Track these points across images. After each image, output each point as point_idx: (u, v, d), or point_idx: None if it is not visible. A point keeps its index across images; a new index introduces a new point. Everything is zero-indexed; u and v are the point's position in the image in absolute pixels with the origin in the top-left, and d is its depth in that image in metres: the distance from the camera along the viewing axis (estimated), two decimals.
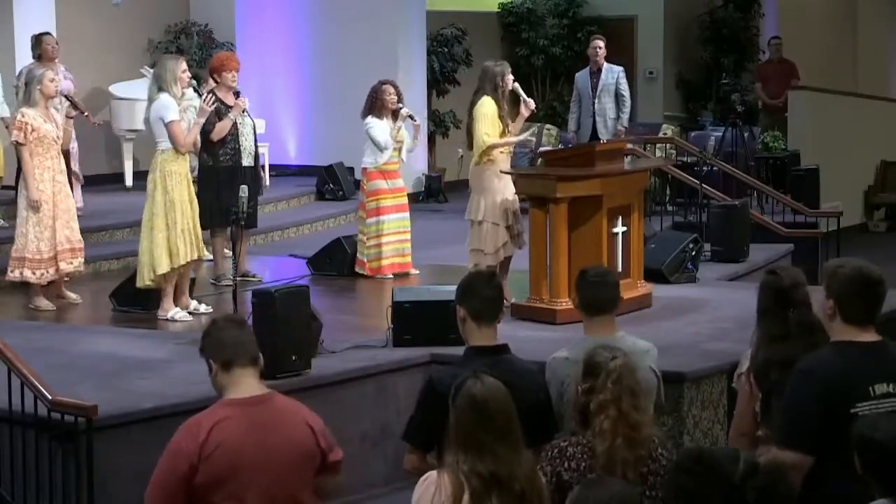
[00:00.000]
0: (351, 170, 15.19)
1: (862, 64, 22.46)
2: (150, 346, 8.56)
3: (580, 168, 9.31)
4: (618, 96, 13.76)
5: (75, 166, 12.37)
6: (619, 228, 9.37)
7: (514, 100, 10.08)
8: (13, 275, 9.74)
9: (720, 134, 16.53)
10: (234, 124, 10.63)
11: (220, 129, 10.54)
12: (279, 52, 16.61)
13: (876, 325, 4.70)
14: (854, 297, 4.60)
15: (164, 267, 9.27)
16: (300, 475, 4.51)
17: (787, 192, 14.60)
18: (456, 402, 4.28)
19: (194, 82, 9.96)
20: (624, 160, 10.48)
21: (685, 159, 14.82)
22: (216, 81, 10.80)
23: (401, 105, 11.20)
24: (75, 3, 14.96)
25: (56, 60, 11.95)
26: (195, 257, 9.43)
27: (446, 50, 17.37)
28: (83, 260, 9.99)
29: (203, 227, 9.74)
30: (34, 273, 9.67)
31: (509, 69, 10.00)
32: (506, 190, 9.68)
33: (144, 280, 9.39)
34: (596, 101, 13.73)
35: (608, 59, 14.02)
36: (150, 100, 9.47)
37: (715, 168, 14.33)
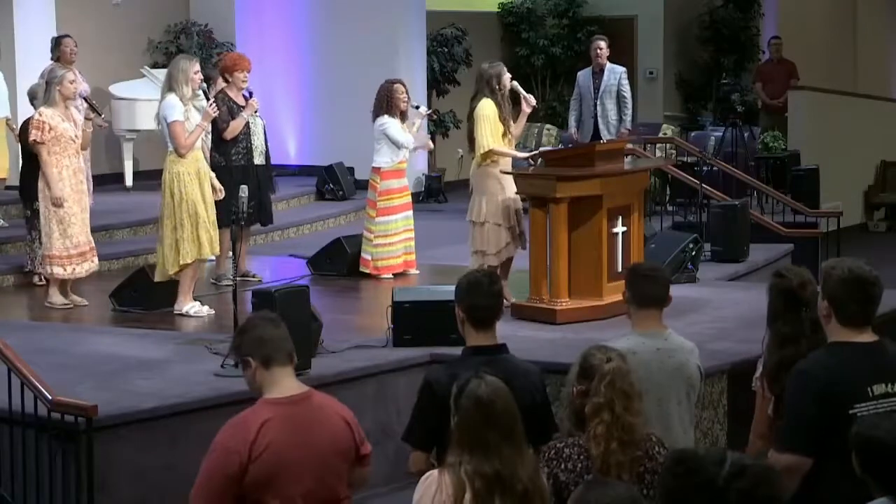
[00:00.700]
0: (351, 170, 15.21)
1: (862, 64, 22.46)
2: (150, 346, 8.57)
3: (580, 168, 9.31)
4: (619, 98, 13.68)
5: (88, 168, 12.42)
6: (619, 228, 9.37)
7: (515, 98, 10.09)
8: (45, 271, 9.82)
9: (720, 134, 16.53)
10: (247, 123, 10.70)
11: (234, 129, 10.61)
12: (279, 52, 16.60)
13: (876, 325, 4.70)
14: (848, 297, 4.59)
15: (172, 265, 9.35)
16: (339, 470, 4.55)
17: (787, 192, 14.60)
18: (460, 403, 4.28)
19: (204, 85, 9.97)
20: (624, 160, 10.48)
21: (685, 159, 14.81)
22: (227, 81, 10.85)
23: (416, 104, 11.25)
24: (75, 3, 14.96)
25: (73, 63, 12.00)
26: (206, 255, 9.50)
27: (446, 50, 17.37)
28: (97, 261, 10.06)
29: (220, 226, 9.82)
30: (65, 269, 9.73)
31: (505, 69, 9.99)
32: (507, 190, 9.68)
33: (163, 276, 9.54)
34: (598, 101, 13.64)
35: (609, 59, 13.95)
36: (162, 99, 9.55)
37: (715, 168, 14.33)
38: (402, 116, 11.21)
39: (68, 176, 9.74)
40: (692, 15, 20.45)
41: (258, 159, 10.90)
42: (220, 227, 10.64)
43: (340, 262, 11.25)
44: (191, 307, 9.51)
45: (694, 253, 10.95)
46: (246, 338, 4.54)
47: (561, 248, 9.11)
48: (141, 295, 9.71)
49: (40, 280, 10.44)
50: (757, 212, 13.59)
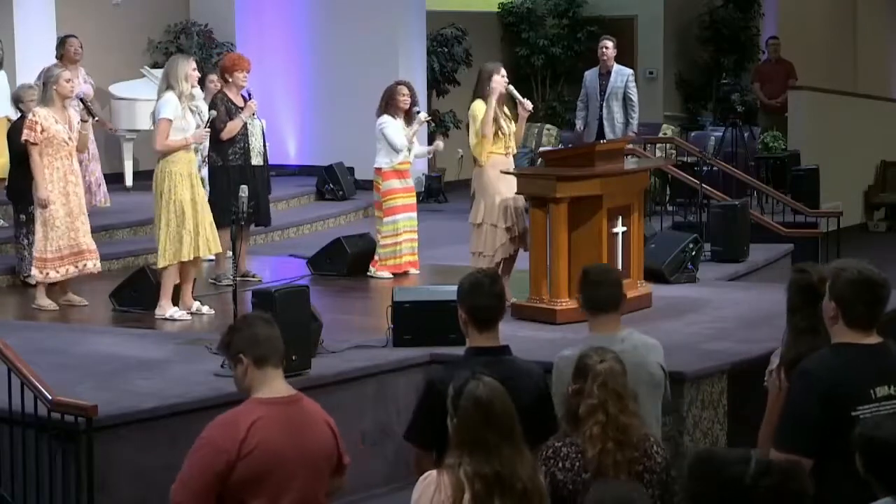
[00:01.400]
0: (351, 170, 15.21)
1: (862, 64, 22.46)
2: (150, 346, 8.57)
3: (580, 168, 9.31)
4: (626, 100, 13.60)
5: (97, 169, 12.44)
6: (619, 228, 9.37)
7: (513, 101, 10.09)
8: (38, 275, 9.73)
9: (720, 134, 16.53)
10: (244, 124, 10.69)
11: (231, 129, 10.60)
12: (279, 52, 16.60)
13: (878, 326, 4.70)
14: (857, 300, 4.59)
15: (161, 263, 9.36)
16: (323, 476, 4.54)
17: (787, 192, 14.60)
18: (459, 405, 4.28)
19: (198, 84, 9.96)
20: (624, 160, 10.48)
21: (685, 159, 14.81)
22: (226, 81, 10.84)
23: (417, 109, 11.25)
24: (75, 3, 14.96)
25: (78, 63, 11.97)
26: (193, 257, 9.44)
27: (446, 50, 17.37)
28: (98, 261, 9.98)
29: (218, 227, 9.79)
30: (59, 270, 9.68)
31: (500, 68, 9.98)
32: (506, 190, 9.67)
33: (159, 265, 9.54)
34: (604, 103, 13.57)
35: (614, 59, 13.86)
36: (158, 97, 9.55)
37: (715, 168, 14.33)
38: (408, 117, 11.21)
39: (58, 179, 9.64)
40: (692, 15, 20.45)
41: (256, 160, 10.88)
42: (218, 227, 10.65)
43: (340, 262, 11.26)
44: (172, 313, 9.43)
45: (694, 253, 10.95)
46: (239, 335, 4.52)
47: (561, 248, 9.11)
48: (141, 295, 9.70)
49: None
50: (757, 212, 13.59)
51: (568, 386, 4.81)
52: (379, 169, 11.19)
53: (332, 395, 7.68)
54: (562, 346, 8.23)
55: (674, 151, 15.55)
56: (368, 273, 11.15)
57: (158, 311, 9.44)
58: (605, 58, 13.63)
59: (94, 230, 11.35)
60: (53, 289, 9.91)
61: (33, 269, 9.74)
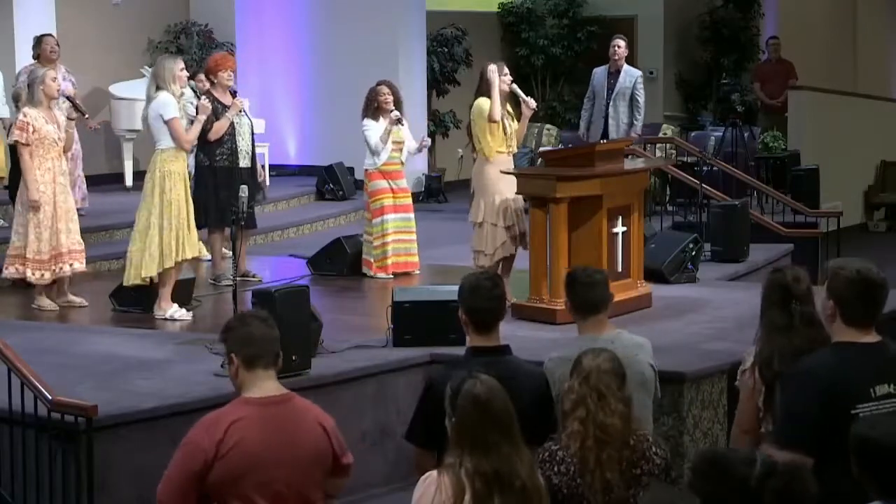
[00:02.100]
0: (351, 170, 15.21)
1: (862, 64, 22.46)
2: (150, 346, 8.56)
3: (580, 168, 9.31)
4: (633, 101, 13.56)
5: (79, 169, 12.39)
6: (619, 228, 9.37)
7: (516, 99, 10.10)
8: (9, 271, 9.70)
9: (720, 134, 16.53)
10: (231, 124, 10.63)
11: (218, 129, 10.54)
12: (279, 52, 16.61)
13: (877, 325, 4.70)
14: (855, 298, 4.60)
15: (154, 268, 9.29)
16: (312, 475, 4.52)
17: (787, 192, 14.60)
18: (457, 404, 4.28)
19: (192, 82, 9.95)
20: (624, 160, 10.48)
21: (685, 159, 14.81)
22: (212, 82, 10.81)
23: (391, 108, 11.13)
24: (75, 3, 14.96)
25: (56, 61, 11.93)
26: (187, 257, 9.42)
27: (446, 50, 17.37)
28: (84, 262, 9.94)
29: (198, 227, 9.76)
30: (34, 274, 9.65)
31: (503, 67, 10.01)
32: (506, 190, 9.68)
33: (131, 279, 9.42)
34: (611, 102, 13.54)
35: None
36: (149, 99, 9.47)
37: (715, 168, 14.33)
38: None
39: (49, 180, 9.60)
40: (692, 15, 20.44)
41: (243, 161, 10.77)
42: (214, 227, 10.66)
43: (340, 262, 11.25)
44: (174, 311, 9.43)
45: (694, 253, 10.95)
46: (233, 334, 4.53)
47: (561, 248, 9.11)
48: (141, 295, 9.68)
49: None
50: (757, 212, 13.59)
51: (561, 385, 4.83)
52: (365, 170, 11.23)
53: (332, 395, 7.68)
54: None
55: (674, 151, 15.56)
56: (364, 272, 11.11)
57: (158, 311, 9.42)
58: (616, 57, 13.56)
59: (94, 230, 11.39)
60: (51, 290, 9.89)
61: (26, 270, 9.61)
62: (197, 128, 9.57)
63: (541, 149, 14.76)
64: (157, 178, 9.38)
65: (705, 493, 3.42)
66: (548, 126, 16.92)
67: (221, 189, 10.48)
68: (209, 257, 11.01)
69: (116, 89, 14.93)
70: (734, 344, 8.55)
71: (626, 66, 13.60)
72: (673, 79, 20.35)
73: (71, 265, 9.74)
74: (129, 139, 14.73)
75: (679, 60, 20.45)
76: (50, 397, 6.59)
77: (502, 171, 9.67)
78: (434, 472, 4.29)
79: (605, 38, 14.40)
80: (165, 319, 9.39)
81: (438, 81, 17.27)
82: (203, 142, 10.43)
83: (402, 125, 11.25)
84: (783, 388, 4.80)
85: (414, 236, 11.30)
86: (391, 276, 11.04)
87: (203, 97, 9.82)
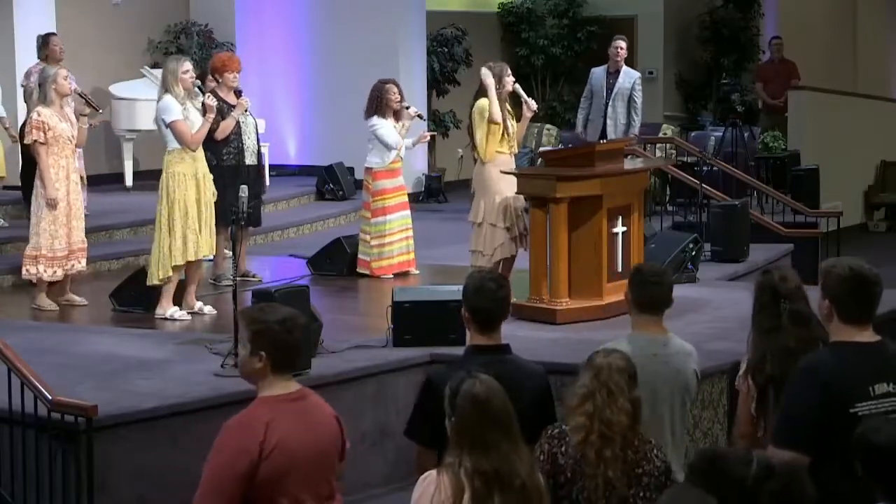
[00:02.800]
0: (351, 170, 15.21)
1: (862, 64, 22.46)
2: (150, 346, 8.56)
3: (580, 168, 9.31)
4: (630, 102, 13.55)
5: (81, 167, 12.39)
6: (619, 228, 9.37)
7: (516, 101, 10.10)
8: (30, 273, 9.75)
9: (720, 134, 16.53)
10: (237, 123, 10.66)
11: (224, 129, 10.56)
12: (279, 52, 16.61)
13: (876, 324, 4.70)
14: (849, 296, 4.60)
15: (168, 268, 9.38)
16: (332, 464, 4.58)
17: (787, 192, 14.61)
18: (457, 404, 4.28)
19: (198, 82, 9.94)
20: (624, 160, 10.48)
21: (685, 159, 14.81)
22: (217, 81, 10.82)
23: (406, 105, 11.23)
24: (75, 3, 14.96)
25: (61, 62, 11.95)
26: (190, 258, 9.43)
27: (446, 50, 17.37)
28: (84, 260, 10.00)
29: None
30: (46, 271, 9.70)
31: (507, 69, 10.03)
32: (507, 190, 9.69)
33: (153, 279, 9.48)
34: (609, 102, 13.53)
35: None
36: (157, 101, 9.58)
37: (715, 168, 14.33)
38: (396, 116, 11.20)
39: (63, 178, 9.69)
40: (692, 15, 20.44)
41: (249, 159, 10.80)
42: (218, 227, 10.65)
43: (340, 262, 11.26)
44: (172, 312, 9.46)
45: (694, 253, 10.95)
46: (272, 338, 4.43)
47: (561, 248, 9.11)
48: (141, 295, 9.70)
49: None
50: (757, 212, 13.59)
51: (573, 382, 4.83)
52: (370, 169, 11.18)
53: (332, 395, 7.64)
54: (562, 347, 8.30)
55: (674, 151, 15.56)
56: (359, 271, 11.09)
57: (159, 311, 9.45)
58: (617, 58, 13.53)
59: (94, 230, 11.38)
60: (53, 289, 9.91)
61: (38, 266, 9.71)
62: (205, 128, 9.59)
63: (541, 149, 14.76)
64: (164, 180, 9.48)
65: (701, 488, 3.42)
66: (548, 126, 16.93)
67: (228, 188, 10.48)
68: (210, 257, 11.01)
69: (116, 89, 14.93)
70: (734, 344, 8.54)
71: (625, 67, 13.58)
72: (673, 79, 20.35)
73: (81, 262, 9.84)
74: (129, 139, 14.74)
75: (679, 60, 20.46)
76: (50, 397, 6.60)
77: (502, 172, 9.68)
78: (433, 472, 4.29)
79: (605, 38, 14.39)
80: (165, 319, 9.40)
81: (438, 81, 17.27)
82: (210, 141, 10.46)
83: (424, 119, 11.29)
84: (785, 387, 4.81)
85: (412, 233, 11.31)
86: (391, 277, 11.04)
87: (207, 95, 9.81)
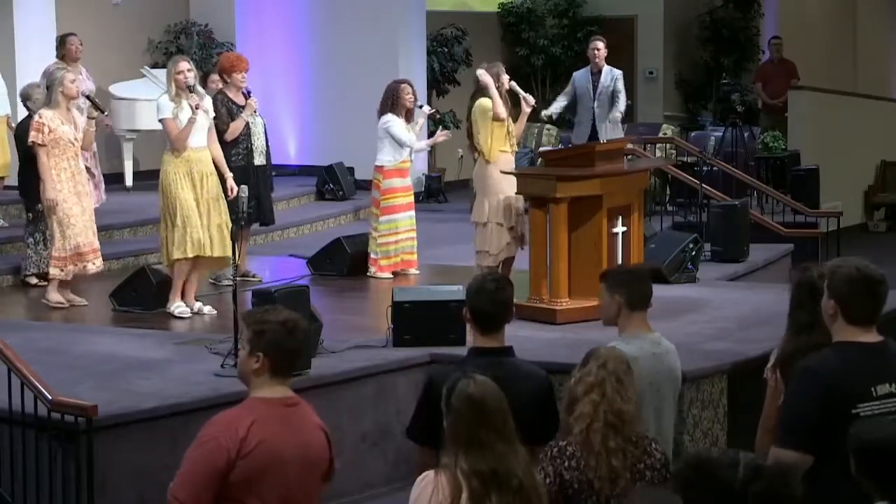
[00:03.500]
0: (351, 170, 15.21)
1: (862, 64, 22.47)
2: (150, 346, 8.56)
3: (580, 168, 9.31)
4: (613, 94, 13.56)
5: (95, 167, 12.43)
6: (619, 228, 9.37)
7: (515, 99, 10.11)
8: (58, 273, 9.77)
9: (720, 134, 16.54)
10: (247, 124, 10.68)
11: (234, 129, 10.58)
12: (279, 52, 16.60)
13: (878, 325, 4.70)
14: (855, 297, 4.59)
15: (166, 260, 9.48)
16: (316, 479, 4.52)
17: (787, 192, 14.61)
18: (452, 404, 4.28)
19: (190, 82, 9.90)
20: (624, 160, 10.48)
21: (685, 159, 14.81)
22: (225, 82, 10.83)
23: (420, 104, 11.28)
24: (75, 3, 14.96)
25: (79, 62, 11.99)
26: (189, 255, 9.44)
27: (446, 50, 17.38)
28: (100, 259, 10.02)
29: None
30: (61, 270, 9.72)
31: (503, 69, 10.04)
32: (508, 189, 9.70)
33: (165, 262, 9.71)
34: (596, 102, 13.55)
35: (608, 59, 13.84)
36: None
37: (715, 168, 14.33)
38: (409, 116, 11.22)
39: (66, 179, 9.68)
40: (692, 15, 20.45)
41: (258, 159, 10.86)
42: None
43: (340, 262, 11.26)
44: (176, 307, 9.50)
45: (694, 253, 10.95)
46: (273, 339, 4.42)
47: (561, 248, 9.11)
48: (141, 295, 9.71)
49: (41, 281, 10.40)
50: (757, 212, 13.59)
51: (572, 377, 4.83)
52: (381, 167, 11.17)
53: (332, 395, 7.68)
54: (562, 347, 8.29)
55: (674, 151, 15.56)
56: (368, 273, 11.14)
57: (168, 305, 9.55)
58: (596, 59, 13.60)
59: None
60: (66, 286, 9.93)
61: (51, 267, 9.73)
62: (188, 128, 9.52)
63: (541, 149, 14.76)
64: (161, 178, 9.55)
65: (690, 498, 3.42)
66: (548, 126, 16.92)
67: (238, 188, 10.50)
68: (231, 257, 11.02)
69: (116, 89, 14.93)
70: (734, 344, 8.56)
71: (606, 67, 13.56)
72: (673, 79, 20.35)
73: (94, 263, 9.86)
74: (130, 139, 14.74)
75: (679, 60, 20.46)
76: (50, 397, 6.60)
77: (502, 171, 9.69)
78: (431, 472, 4.29)
79: (605, 38, 14.37)
80: (167, 313, 9.47)
81: (438, 81, 17.27)
82: (220, 142, 10.48)
83: (437, 113, 11.32)
84: (787, 388, 4.81)
85: (415, 234, 11.33)
86: (391, 276, 11.04)
87: (194, 97, 9.81)
